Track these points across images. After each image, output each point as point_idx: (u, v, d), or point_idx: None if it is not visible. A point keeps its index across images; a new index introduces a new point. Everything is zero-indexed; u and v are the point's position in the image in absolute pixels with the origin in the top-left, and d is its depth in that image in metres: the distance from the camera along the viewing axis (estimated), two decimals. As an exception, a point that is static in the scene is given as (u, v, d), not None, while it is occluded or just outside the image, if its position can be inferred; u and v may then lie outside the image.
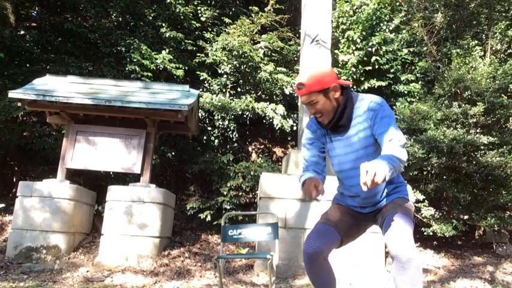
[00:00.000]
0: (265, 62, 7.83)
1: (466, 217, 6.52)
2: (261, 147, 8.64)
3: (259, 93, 7.98)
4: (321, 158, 2.21)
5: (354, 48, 7.59)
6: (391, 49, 7.46)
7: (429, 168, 6.57)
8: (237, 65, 7.65)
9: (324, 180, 2.23)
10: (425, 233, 6.04)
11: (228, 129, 7.61)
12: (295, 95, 2.09)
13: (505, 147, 6.06)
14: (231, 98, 7.77)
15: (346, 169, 2.11)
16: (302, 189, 2.10)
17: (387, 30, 7.69)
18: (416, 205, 6.10)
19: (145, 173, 5.76)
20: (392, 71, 7.56)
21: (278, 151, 8.65)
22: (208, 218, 6.53)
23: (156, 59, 7.46)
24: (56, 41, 8.09)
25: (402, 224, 1.89)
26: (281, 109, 7.46)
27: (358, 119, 2.04)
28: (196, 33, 8.53)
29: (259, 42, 8.07)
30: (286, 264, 4.91)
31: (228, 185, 6.64)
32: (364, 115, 2.03)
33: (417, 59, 8.13)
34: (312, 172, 2.16)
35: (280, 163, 7.73)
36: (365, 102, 2.05)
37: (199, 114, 7.22)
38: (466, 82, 6.34)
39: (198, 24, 8.47)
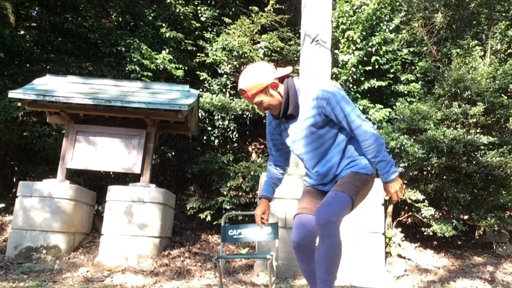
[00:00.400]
0: (265, 62, 7.82)
1: (466, 217, 6.53)
2: (261, 147, 8.63)
3: (259, 93, 7.96)
4: (281, 147, 2.36)
5: (354, 48, 7.58)
6: (391, 49, 7.45)
7: (429, 168, 6.58)
8: (237, 65, 7.65)
9: (285, 170, 2.47)
10: (425, 233, 6.04)
11: (228, 129, 7.61)
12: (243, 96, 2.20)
13: (505, 147, 6.06)
14: (231, 98, 7.76)
15: (301, 153, 2.22)
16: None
17: (387, 30, 7.69)
18: (416, 205, 6.10)
19: (145, 173, 5.76)
20: (392, 71, 7.56)
21: (278, 151, 8.64)
22: (208, 218, 6.53)
23: (156, 59, 7.46)
24: (56, 41, 8.09)
25: (331, 197, 2.02)
26: (281, 109, 7.44)
27: (305, 106, 2.11)
28: (196, 33, 8.53)
29: (259, 42, 8.07)
30: (286, 264, 4.91)
31: (228, 185, 6.65)
32: (313, 102, 2.08)
33: (417, 59, 8.13)
34: (271, 176, 2.42)
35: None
36: (313, 90, 2.09)
37: (199, 114, 7.22)
38: (466, 82, 6.34)
39: (198, 24, 8.47)
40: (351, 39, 7.59)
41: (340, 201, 2.01)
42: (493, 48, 7.86)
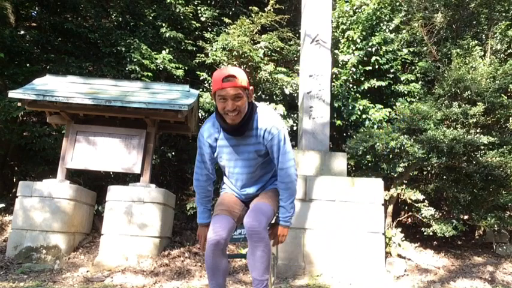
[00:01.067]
0: (265, 62, 7.82)
1: (466, 217, 6.53)
2: (261, 147, 8.63)
3: (259, 93, 7.97)
4: (212, 162, 2.46)
5: (354, 48, 7.59)
6: (391, 49, 7.46)
7: (429, 168, 6.58)
8: (237, 65, 7.64)
9: (213, 183, 2.58)
10: (425, 233, 6.04)
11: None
12: (224, 87, 2.14)
13: (505, 147, 6.06)
14: (231, 98, 7.75)
15: (236, 172, 2.40)
16: (198, 231, 2.58)
17: (387, 30, 7.69)
18: (416, 205, 6.11)
19: (145, 173, 5.76)
20: (392, 71, 7.56)
21: (278, 151, 8.64)
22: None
23: (156, 59, 7.46)
24: (56, 41, 8.08)
25: (261, 208, 2.25)
26: (281, 109, 7.45)
27: (255, 130, 2.27)
28: (196, 33, 8.53)
29: (259, 42, 8.06)
30: (286, 264, 4.91)
31: (228, 185, 6.64)
32: (261, 132, 2.26)
33: (417, 59, 8.13)
34: (205, 195, 2.54)
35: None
36: (266, 121, 2.26)
37: (199, 114, 7.22)
38: (466, 82, 6.34)
39: (198, 24, 8.47)
40: (351, 39, 7.60)
41: (268, 213, 2.26)
42: (493, 48, 7.86)
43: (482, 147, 5.94)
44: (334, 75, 7.51)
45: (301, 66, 6.40)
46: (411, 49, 8.06)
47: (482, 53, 7.52)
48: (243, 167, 2.36)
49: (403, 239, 5.85)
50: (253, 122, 2.26)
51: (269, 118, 2.27)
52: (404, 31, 8.13)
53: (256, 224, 2.15)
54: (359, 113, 7.29)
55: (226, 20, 8.28)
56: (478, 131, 6.21)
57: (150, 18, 8.27)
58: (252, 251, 2.18)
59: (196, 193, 2.56)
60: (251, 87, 2.24)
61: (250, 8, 8.41)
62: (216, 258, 2.25)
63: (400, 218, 6.52)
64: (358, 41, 7.48)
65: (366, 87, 7.40)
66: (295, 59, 8.25)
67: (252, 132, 2.27)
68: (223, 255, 2.27)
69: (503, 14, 8.29)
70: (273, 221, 2.43)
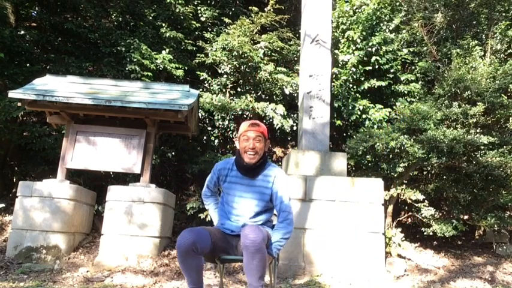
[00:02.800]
0: (265, 62, 7.82)
1: (466, 217, 6.52)
2: (261, 147, 8.62)
3: (259, 93, 7.97)
4: (215, 189, 3.02)
5: (354, 48, 7.59)
6: (391, 49, 7.46)
7: (429, 168, 6.58)
8: (237, 65, 7.65)
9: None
10: (425, 233, 6.04)
11: (228, 129, 7.62)
12: (249, 130, 2.74)
13: (505, 147, 6.06)
14: (231, 98, 7.76)
15: (235, 207, 2.72)
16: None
17: (387, 30, 7.69)
18: (416, 205, 6.11)
19: (145, 173, 5.76)
20: (392, 71, 7.56)
21: (278, 151, 8.65)
22: (208, 218, 6.52)
23: (156, 59, 7.46)
24: (56, 41, 8.08)
25: (257, 227, 2.45)
26: (281, 109, 7.45)
27: (265, 176, 2.72)
28: (196, 33, 8.53)
29: (259, 42, 8.07)
30: (286, 264, 4.91)
31: (228, 185, 6.64)
32: (271, 177, 2.72)
33: (417, 59, 8.13)
34: (213, 202, 3.04)
35: (280, 163, 7.72)
36: (276, 171, 2.76)
37: (199, 114, 7.22)
38: (466, 82, 6.34)
39: (198, 24, 8.47)
40: (351, 39, 7.60)
41: (264, 231, 2.45)
42: (493, 48, 7.86)
43: (482, 147, 5.94)
44: (334, 75, 7.51)
45: (301, 66, 6.40)
46: (411, 49, 8.06)
47: (482, 53, 7.52)
48: (244, 204, 2.70)
49: (403, 239, 5.85)
50: (264, 168, 2.73)
51: (278, 169, 2.77)
52: (404, 31, 8.13)
53: (254, 235, 2.31)
54: (359, 113, 7.29)
55: (226, 20, 8.28)
56: (478, 131, 6.21)
57: (150, 18, 8.27)
58: (249, 260, 2.33)
59: (206, 205, 3.05)
60: (268, 141, 2.79)
61: (250, 8, 8.41)
62: (185, 259, 2.40)
63: (400, 218, 6.52)
64: (358, 41, 7.48)
65: (366, 87, 7.40)
66: (295, 59, 8.25)
67: (261, 177, 2.72)
68: (193, 257, 2.39)
69: (503, 14, 8.29)
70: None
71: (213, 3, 8.97)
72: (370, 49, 7.31)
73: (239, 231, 2.61)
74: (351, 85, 7.53)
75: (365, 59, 7.39)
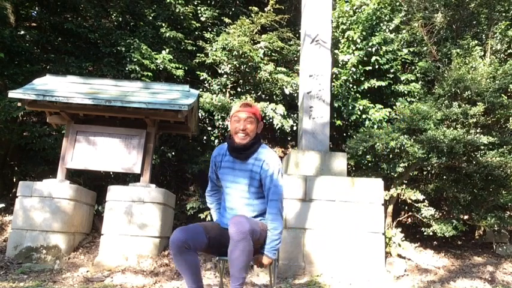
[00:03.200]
0: (265, 62, 7.82)
1: (466, 217, 6.52)
2: (261, 147, 8.62)
3: (259, 93, 7.97)
4: (216, 178, 2.89)
5: (354, 48, 7.59)
6: (391, 49, 7.46)
7: (429, 168, 6.57)
8: (237, 65, 7.65)
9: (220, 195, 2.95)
10: (425, 233, 6.04)
11: (228, 129, 7.61)
12: (240, 110, 2.66)
13: (505, 147, 6.06)
14: (231, 98, 7.76)
15: (229, 193, 2.68)
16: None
17: (387, 30, 7.69)
18: (416, 205, 6.11)
19: (145, 173, 5.76)
20: (392, 71, 7.56)
21: (278, 151, 8.65)
22: (208, 218, 6.52)
23: (156, 59, 7.46)
24: (56, 41, 8.08)
25: (247, 217, 2.41)
26: (281, 109, 7.46)
27: (256, 160, 2.60)
28: (196, 33, 8.53)
29: (259, 42, 8.07)
30: (286, 264, 4.91)
31: (228, 185, 6.64)
32: (261, 162, 2.59)
33: (417, 59, 8.13)
34: (216, 201, 2.99)
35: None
36: (267, 155, 2.61)
37: (199, 114, 7.22)
38: (466, 82, 6.34)
39: (198, 24, 8.47)
40: (351, 39, 7.60)
41: (253, 222, 2.43)
42: (493, 48, 7.86)
43: (482, 147, 5.94)
44: (334, 75, 7.51)
45: (301, 66, 6.40)
46: (411, 49, 8.06)
47: (482, 53, 7.52)
48: (236, 189, 2.63)
49: (403, 239, 5.85)
50: (255, 151, 2.61)
51: (270, 154, 2.64)
52: (404, 31, 8.13)
53: (239, 225, 2.29)
54: (359, 113, 7.29)
55: (226, 20, 8.29)
56: (478, 131, 6.21)
57: (150, 18, 8.27)
58: (232, 250, 2.30)
59: (208, 204, 3.01)
60: (261, 123, 2.67)
61: (250, 8, 8.41)
62: (178, 258, 2.40)
63: (400, 218, 6.52)
64: (358, 41, 7.48)
65: (366, 87, 7.40)
66: (295, 59, 8.25)
67: (252, 161, 2.60)
68: (186, 254, 2.40)
69: (503, 14, 8.29)
70: (257, 245, 2.53)
71: (213, 3, 8.97)
72: (370, 49, 7.31)
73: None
74: (351, 85, 7.53)
75: (365, 59, 7.39)
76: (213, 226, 2.63)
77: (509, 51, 7.83)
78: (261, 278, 4.86)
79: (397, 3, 8.26)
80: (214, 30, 8.59)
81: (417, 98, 7.40)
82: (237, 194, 2.64)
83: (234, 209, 2.66)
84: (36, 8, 8.67)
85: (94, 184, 6.84)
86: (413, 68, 8.08)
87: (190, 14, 8.37)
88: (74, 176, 6.52)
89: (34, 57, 7.77)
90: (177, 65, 7.73)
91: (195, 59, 8.08)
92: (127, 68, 7.39)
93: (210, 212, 6.55)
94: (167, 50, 7.69)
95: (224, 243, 2.50)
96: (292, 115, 7.78)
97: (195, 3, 8.57)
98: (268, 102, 7.65)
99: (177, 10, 8.21)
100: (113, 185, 5.76)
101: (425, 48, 8.16)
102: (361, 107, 7.28)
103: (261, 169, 2.57)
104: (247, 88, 7.98)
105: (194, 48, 8.15)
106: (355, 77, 7.42)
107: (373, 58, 7.31)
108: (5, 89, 6.41)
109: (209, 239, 2.49)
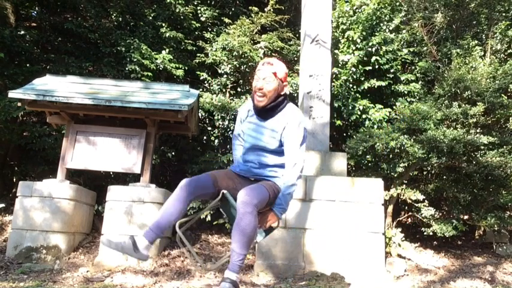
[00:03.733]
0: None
1: (466, 217, 6.52)
2: (261, 147, 8.62)
3: (259, 93, 7.96)
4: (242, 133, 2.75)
5: (354, 48, 7.58)
6: (391, 49, 7.45)
7: (429, 168, 6.58)
8: (237, 65, 7.65)
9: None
10: (425, 233, 6.04)
11: (228, 129, 7.61)
12: (260, 68, 2.51)
13: (505, 147, 6.06)
14: (231, 98, 7.76)
15: (248, 147, 2.60)
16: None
17: (387, 30, 7.69)
18: (416, 205, 6.11)
19: (145, 173, 5.76)
20: (392, 71, 7.56)
21: (278, 151, 8.65)
22: (208, 218, 6.52)
23: (156, 59, 7.46)
24: (56, 41, 8.08)
25: (257, 188, 2.37)
26: (281, 109, 7.44)
27: (278, 119, 2.50)
28: (196, 33, 8.53)
29: (259, 42, 8.07)
30: (286, 264, 4.91)
31: (228, 185, 6.64)
32: (284, 121, 2.48)
33: (417, 59, 8.12)
34: (238, 147, 2.81)
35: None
36: (292, 114, 2.50)
37: (199, 114, 7.22)
38: (466, 82, 6.34)
39: (198, 24, 8.47)
40: (351, 39, 7.59)
41: (262, 194, 2.36)
42: (493, 48, 7.86)
43: (482, 147, 5.94)
44: (334, 75, 7.51)
45: (301, 66, 6.40)
46: (411, 49, 8.06)
47: (482, 53, 7.52)
48: (255, 146, 2.54)
49: (403, 239, 5.85)
50: (279, 111, 2.50)
51: (296, 113, 2.51)
52: (404, 31, 8.13)
53: (249, 198, 2.24)
54: (359, 113, 7.29)
55: (226, 20, 8.29)
56: (478, 131, 6.21)
57: (150, 18, 8.27)
58: (237, 222, 2.26)
59: (233, 152, 2.89)
60: (285, 83, 2.53)
61: (250, 8, 8.41)
62: (173, 198, 2.40)
63: (400, 218, 6.52)
64: (358, 41, 7.48)
65: (366, 87, 7.39)
66: (295, 59, 8.25)
67: (275, 119, 2.49)
68: (180, 201, 2.39)
69: (503, 14, 8.29)
70: (266, 208, 2.49)
71: (213, 3, 8.97)
72: (370, 49, 7.31)
73: (245, 174, 2.62)
74: (351, 85, 7.53)
75: (365, 59, 7.38)
76: (223, 174, 2.59)
77: (509, 51, 7.82)
78: (261, 278, 4.86)
79: (397, 3, 8.25)
80: (214, 30, 8.59)
81: (417, 98, 7.40)
82: (255, 150, 2.57)
83: (249, 163, 2.60)
84: (36, 8, 8.67)
85: (94, 184, 6.84)
86: (413, 68, 8.08)
87: (190, 14, 8.37)
88: (74, 176, 6.52)
89: (34, 57, 7.77)
90: (177, 65, 7.73)
91: (195, 59, 8.08)
92: (127, 68, 7.39)
93: (210, 212, 6.58)
94: (167, 50, 7.69)
95: (235, 188, 2.52)
96: (292, 115, 7.77)
97: (195, 3, 8.57)
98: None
99: (177, 10, 8.21)
100: (113, 185, 5.76)
101: (425, 48, 8.16)
102: (361, 107, 7.27)
103: (283, 129, 2.47)
104: (247, 88, 7.97)
105: (194, 48, 8.15)
106: (355, 77, 7.42)
107: (373, 58, 7.30)
108: (5, 89, 6.41)
109: (217, 188, 2.48)
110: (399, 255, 5.68)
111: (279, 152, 2.54)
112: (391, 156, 5.91)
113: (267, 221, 2.50)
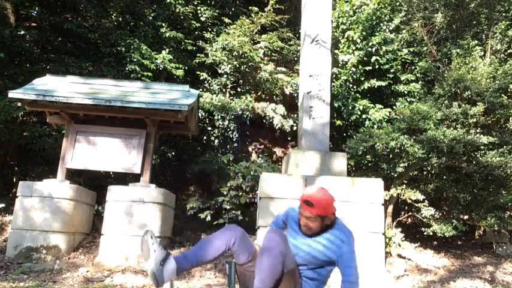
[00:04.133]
0: (265, 62, 7.83)
1: (466, 217, 6.52)
2: (261, 147, 8.64)
3: (259, 93, 7.98)
4: (281, 226, 2.70)
5: (354, 48, 7.59)
6: (391, 49, 7.46)
7: (429, 168, 6.57)
8: (237, 65, 7.65)
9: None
10: (425, 233, 6.04)
11: (228, 129, 7.62)
12: (302, 206, 2.39)
13: (505, 147, 6.06)
14: (231, 98, 7.77)
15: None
16: None
17: (387, 30, 7.69)
18: (416, 205, 6.11)
19: (145, 173, 5.76)
20: (392, 71, 7.56)
21: (278, 151, 8.65)
22: (208, 218, 6.52)
23: (156, 59, 7.46)
24: (56, 41, 8.08)
25: (277, 234, 2.32)
26: (281, 109, 7.46)
27: (325, 238, 2.39)
28: (196, 33, 8.53)
29: (259, 42, 8.07)
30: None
31: (228, 185, 6.64)
32: (332, 240, 2.39)
33: (417, 59, 8.13)
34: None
35: (280, 163, 7.73)
36: (339, 232, 2.43)
37: (199, 114, 7.22)
38: (466, 82, 6.34)
39: (198, 24, 8.47)
40: (351, 39, 7.60)
41: (286, 248, 2.31)
42: (493, 48, 7.86)
43: (482, 147, 5.94)
44: (334, 75, 7.51)
45: (301, 66, 6.40)
46: (411, 49, 8.06)
47: (482, 53, 7.52)
48: (301, 257, 2.41)
49: (403, 239, 5.85)
50: (327, 231, 2.42)
51: (342, 231, 2.45)
52: (404, 31, 8.13)
53: (270, 241, 2.26)
54: (359, 113, 7.29)
55: (226, 20, 8.29)
56: (478, 131, 6.21)
57: (150, 18, 8.27)
58: (258, 258, 2.25)
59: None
60: (332, 214, 2.41)
61: (250, 8, 8.42)
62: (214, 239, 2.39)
63: (400, 218, 6.52)
64: (358, 41, 7.48)
65: (366, 87, 7.40)
66: (295, 59, 8.25)
67: (323, 238, 2.40)
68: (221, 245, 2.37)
69: (503, 14, 8.29)
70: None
71: (213, 3, 8.97)
72: (370, 49, 7.31)
73: None
74: (351, 85, 7.53)
75: (365, 59, 7.39)
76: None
77: (509, 51, 7.83)
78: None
79: (397, 3, 8.25)
80: (214, 30, 8.60)
81: (417, 98, 7.40)
82: (298, 259, 2.44)
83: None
84: (36, 8, 8.67)
85: (94, 184, 6.84)
86: (413, 68, 8.08)
87: (190, 14, 8.37)
88: (74, 176, 6.52)
89: (34, 57, 7.77)
90: (177, 65, 7.73)
91: (195, 59, 8.08)
92: (127, 68, 7.39)
93: (209, 212, 6.58)
94: (167, 50, 7.69)
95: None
96: (292, 115, 7.78)
97: (195, 3, 8.58)
98: (268, 102, 7.66)
99: (177, 10, 8.21)
100: (113, 185, 5.76)
101: (425, 48, 8.16)
102: (361, 107, 7.28)
103: (336, 247, 2.38)
104: (247, 88, 7.98)
105: (194, 48, 8.15)
106: (355, 77, 7.42)
107: (373, 58, 7.31)
108: (5, 89, 6.41)
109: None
110: (399, 255, 5.68)
111: (323, 271, 2.46)
112: (391, 156, 5.91)
113: None
